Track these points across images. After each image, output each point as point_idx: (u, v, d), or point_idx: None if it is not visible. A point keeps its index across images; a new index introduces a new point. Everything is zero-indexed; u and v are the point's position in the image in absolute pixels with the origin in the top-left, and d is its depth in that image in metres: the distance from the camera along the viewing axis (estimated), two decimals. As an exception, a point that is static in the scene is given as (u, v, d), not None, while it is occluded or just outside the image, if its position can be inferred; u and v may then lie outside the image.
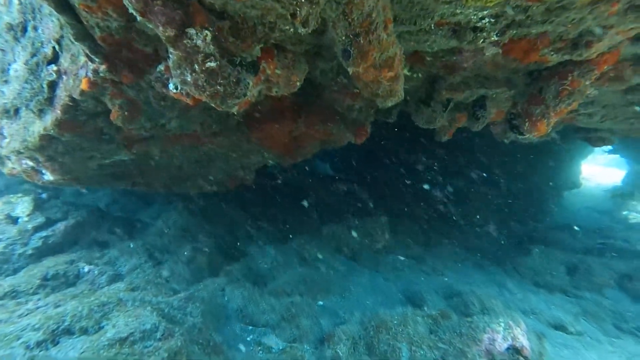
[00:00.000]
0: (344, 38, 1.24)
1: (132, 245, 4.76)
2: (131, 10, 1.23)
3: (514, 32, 1.41)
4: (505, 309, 3.69)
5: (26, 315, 2.39)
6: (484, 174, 7.08)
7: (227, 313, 3.42)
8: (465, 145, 6.64)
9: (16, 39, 2.08)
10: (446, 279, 5.16)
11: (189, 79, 1.37)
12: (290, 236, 5.81)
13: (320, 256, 5.38)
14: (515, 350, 2.49)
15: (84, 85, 1.93)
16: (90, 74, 1.88)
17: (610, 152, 9.18)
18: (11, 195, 4.02)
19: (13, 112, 2.23)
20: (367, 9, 1.10)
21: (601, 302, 4.49)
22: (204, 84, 1.38)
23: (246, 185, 4.50)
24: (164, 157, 3.12)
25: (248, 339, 3.14)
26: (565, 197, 8.59)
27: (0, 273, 3.52)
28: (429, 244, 6.34)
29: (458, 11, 1.36)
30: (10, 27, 2.03)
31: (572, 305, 4.50)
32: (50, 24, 1.90)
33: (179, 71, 1.38)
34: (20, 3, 1.97)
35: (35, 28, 1.99)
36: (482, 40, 1.48)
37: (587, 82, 1.53)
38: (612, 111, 2.14)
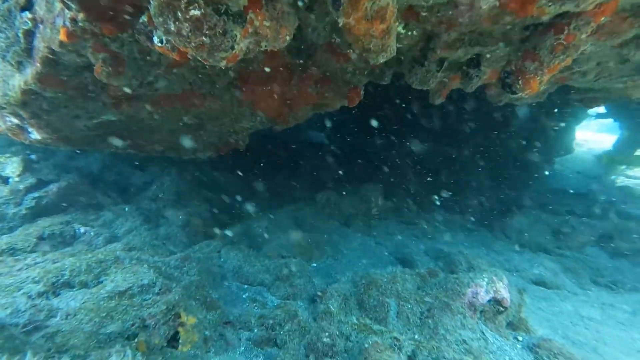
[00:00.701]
0: None
1: (127, 209, 4.80)
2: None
3: None
4: (490, 267, 3.89)
5: (25, 269, 2.46)
6: (477, 142, 7.09)
7: (223, 273, 3.55)
8: (459, 112, 6.58)
9: (-16, -15, 1.93)
10: (436, 242, 5.35)
11: (172, 28, 1.31)
12: (285, 202, 5.89)
13: (313, 222, 5.50)
14: (496, 301, 2.66)
15: (62, 36, 1.83)
16: (68, 23, 1.78)
17: (603, 116, 9.19)
18: (1, 155, 3.96)
19: (-9, 66, 2.13)
20: None
21: (581, 259, 4.74)
22: (189, 33, 1.31)
23: (239, 150, 4.47)
24: (153, 119, 3.05)
25: (244, 296, 3.29)
26: (558, 162, 8.73)
27: (-5, 233, 3.56)
28: (422, 209, 6.49)
29: None
30: (-23, -29, 1.87)
31: (553, 263, 4.74)
32: (20, -34, 1.76)
33: (161, 19, 1.31)
34: (-15, -58, 1.81)
35: (4, -29, 1.84)
36: None
37: (583, 36, 1.49)
38: (607, 68, 2.11)
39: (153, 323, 2.02)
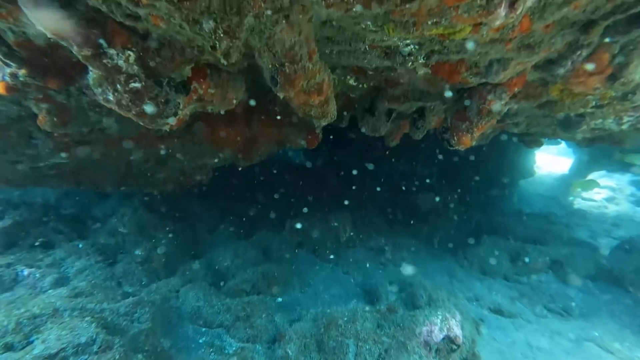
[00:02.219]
0: (270, 66, 1.26)
1: (80, 245, 4.52)
2: (42, 30, 1.16)
3: (437, 57, 1.51)
4: (450, 298, 4.00)
5: None
6: (443, 166, 7.41)
7: (181, 315, 3.40)
8: (425, 137, 6.86)
9: None
10: (402, 270, 5.44)
11: (111, 98, 1.33)
12: (254, 230, 5.80)
13: (281, 251, 5.44)
14: (449, 339, 2.73)
15: (1, 90, 1.78)
16: (7, 78, 1.74)
17: (556, 142, 9.95)
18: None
19: None
20: (289, 43, 1.12)
21: (535, 285, 5.00)
22: (129, 103, 1.34)
23: (203, 184, 4.41)
24: (107, 159, 2.98)
25: (200, 341, 3.16)
26: (520, 185, 9.28)
27: None
28: (390, 235, 6.61)
29: (385, 38, 1.42)
30: None
31: (510, 290, 4.97)
32: (-41, 21, 1.72)
33: (99, 89, 1.33)
34: None
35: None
36: (410, 63, 1.57)
37: (502, 102, 1.68)
38: (535, 119, 2.36)
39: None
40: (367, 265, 5.56)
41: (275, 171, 7.94)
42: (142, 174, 3.80)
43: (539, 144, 3.50)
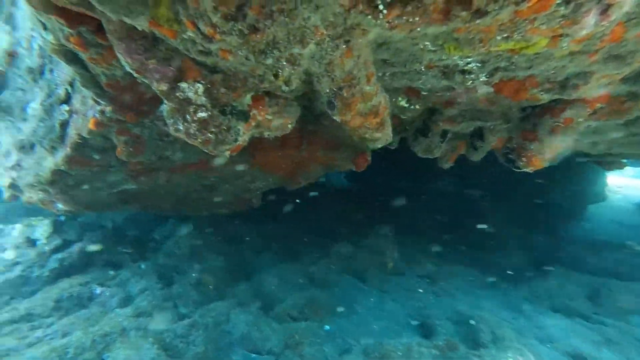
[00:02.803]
0: (327, 91, 1.28)
1: (142, 266, 4.87)
2: (128, 69, 1.31)
3: (502, 74, 1.42)
4: (518, 337, 3.53)
5: (34, 344, 2.47)
6: (501, 187, 6.87)
7: (231, 340, 3.42)
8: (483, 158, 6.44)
9: (34, 81, 2.24)
10: (458, 302, 4.98)
11: (181, 128, 1.44)
12: (299, 254, 5.79)
13: (326, 276, 5.33)
14: (525, 388, 2.37)
15: (91, 125, 2.04)
16: (97, 115, 2.00)
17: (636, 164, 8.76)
18: (33, 218, 4.23)
19: (29, 148, 2.38)
20: (347, 67, 1.13)
21: (624, 329, 4.22)
22: (196, 132, 1.44)
23: (254, 207, 4.57)
24: (170, 185, 3.22)
25: (248, 368, 3.12)
26: (589, 210, 8.22)
27: (19, 295, 3.66)
28: (442, 262, 6.17)
29: (444, 57, 1.38)
30: (31, 70, 2.19)
31: (592, 333, 4.25)
32: (65, 68, 2.04)
33: (171, 120, 1.45)
34: (40, 48, 2.13)
35: (51, 71, 2.13)
36: (470, 81, 1.49)
37: (581, 119, 1.50)
38: (617, 140, 2.08)
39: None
40: (418, 294, 5.19)
41: (319, 194, 7.96)
42: (198, 198, 4.05)
43: (620, 166, 3.08)
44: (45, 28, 1.45)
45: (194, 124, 1.41)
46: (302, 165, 3.43)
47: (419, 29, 0.96)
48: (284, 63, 1.06)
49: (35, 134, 2.27)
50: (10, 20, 2.35)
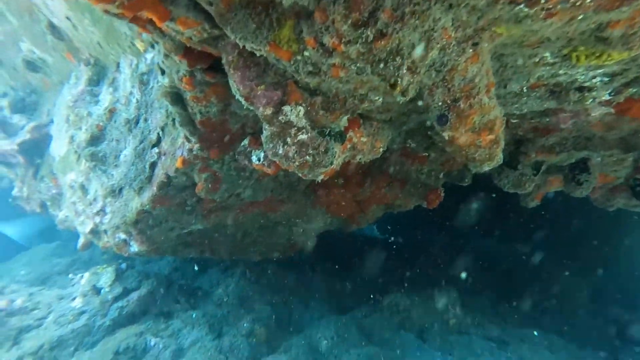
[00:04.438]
0: (440, 104, 1.25)
1: (194, 316, 4.75)
2: (238, 97, 1.39)
3: (634, 90, 1.30)
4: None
5: None
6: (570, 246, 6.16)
7: (293, 400, 3.06)
8: (548, 211, 5.90)
9: (129, 130, 2.48)
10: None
11: (280, 152, 1.45)
12: (348, 306, 5.40)
13: (382, 332, 4.85)
14: None
15: (178, 164, 2.16)
16: (185, 153, 2.12)
17: None
18: (98, 267, 4.39)
19: (118, 192, 2.55)
20: (470, 74, 1.11)
21: None
22: (294, 155, 1.44)
23: (306, 251, 4.44)
24: (232, 226, 3.25)
25: None
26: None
27: (82, 346, 3.65)
28: (509, 324, 5.43)
29: (562, 72, 1.30)
30: (127, 121, 2.44)
31: None
32: (159, 115, 2.24)
33: (271, 145, 1.48)
34: (138, 101, 2.39)
35: (145, 120, 2.36)
36: (590, 100, 1.38)
37: None
38: None
39: None
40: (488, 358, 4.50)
41: (358, 243, 7.66)
42: (253, 242, 4.03)
43: None
44: (162, 73, 1.62)
45: (293, 147, 1.42)
46: (364, 205, 3.34)
47: (580, 16, 0.90)
48: (404, 71, 1.06)
49: (126, 177, 2.44)
50: (112, 83, 2.71)
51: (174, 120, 2.17)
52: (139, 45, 2.32)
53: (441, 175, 2.87)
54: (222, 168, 2.30)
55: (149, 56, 2.35)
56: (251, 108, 1.41)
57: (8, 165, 4.27)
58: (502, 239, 6.60)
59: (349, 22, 0.92)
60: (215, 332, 4.50)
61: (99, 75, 2.79)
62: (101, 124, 2.69)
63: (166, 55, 1.45)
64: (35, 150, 3.71)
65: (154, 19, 1.04)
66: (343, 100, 1.40)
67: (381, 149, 1.65)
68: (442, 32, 0.96)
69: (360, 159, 1.61)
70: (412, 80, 1.09)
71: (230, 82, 1.36)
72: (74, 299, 4.00)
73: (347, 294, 5.73)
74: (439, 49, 1.02)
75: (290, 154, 1.44)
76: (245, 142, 2.10)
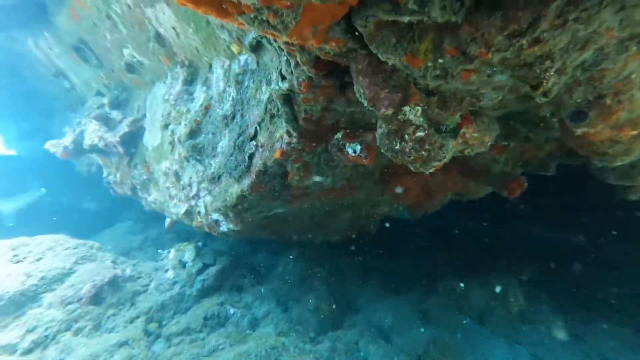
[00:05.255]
0: (579, 101, 1.27)
1: (262, 290, 5.20)
2: (362, 100, 1.53)
3: None
4: None
5: (213, 351, 2.78)
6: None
7: (367, 370, 3.33)
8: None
9: (226, 125, 2.74)
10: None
11: (397, 147, 1.58)
12: (403, 290, 5.53)
13: (440, 315, 4.94)
14: None
15: (277, 155, 2.38)
16: (283, 146, 2.33)
17: None
18: (180, 244, 4.94)
19: (217, 179, 2.86)
20: (627, 72, 1.12)
21: None
22: (411, 150, 1.56)
23: (367, 235, 4.61)
24: (307, 210, 3.48)
25: (394, 403, 2.96)
26: None
27: (179, 311, 4.22)
28: (583, 318, 5.20)
29: None
30: (224, 117, 2.70)
31: None
32: (255, 111, 2.47)
33: (387, 141, 1.61)
34: (233, 99, 2.64)
35: (242, 116, 2.60)
36: None
37: None
38: None
39: None
40: (560, 349, 4.39)
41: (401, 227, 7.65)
42: (319, 224, 4.27)
43: None
44: (283, 79, 1.81)
45: (410, 143, 1.54)
46: (433, 192, 3.40)
47: None
48: (551, 73, 1.11)
49: (225, 166, 2.74)
50: (206, 82, 2.98)
51: (271, 116, 2.38)
52: (235, 49, 2.54)
53: (519, 164, 2.83)
54: (313, 159, 2.49)
55: (242, 58, 2.56)
56: (372, 109, 1.54)
57: (104, 154, 4.89)
58: (567, 228, 6.25)
59: (505, 33, 0.99)
60: (283, 306, 4.90)
61: (192, 75, 3.08)
62: (198, 119, 2.99)
63: (296, 65, 1.62)
64: (131, 141, 4.22)
65: (313, 42, 1.20)
66: (460, 99, 1.48)
67: (489, 144, 1.71)
68: (605, 32, 0.99)
69: (468, 152, 1.69)
70: (557, 81, 1.13)
71: (356, 87, 1.50)
72: (167, 270, 4.58)
73: (403, 278, 5.86)
74: (595, 49, 1.05)
75: (407, 150, 1.57)
76: (339, 135, 2.26)
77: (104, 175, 5.59)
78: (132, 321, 4.00)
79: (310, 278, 5.59)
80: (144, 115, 4.06)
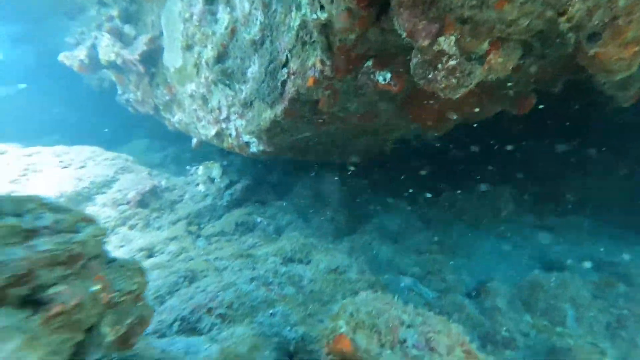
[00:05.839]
0: (596, 23, 1.41)
1: (284, 204, 5.85)
2: (400, 32, 1.67)
3: None
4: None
5: (252, 247, 3.45)
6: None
7: (379, 263, 4.09)
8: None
9: (255, 51, 2.82)
10: (587, 249, 4.82)
11: (430, 76, 1.78)
12: (409, 202, 6.16)
13: (440, 222, 5.64)
14: None
15: (309, 83, 2.55)
16: (316, 74, 2.49)
17: None
18: (207, 162, 5.39)
19: (249, 104, 3.07)
20: None
21: None
22: (442, 78, 1.77)
23: (382, 155, 4.97)
24: (331, 134, 3.76)
25: (401, 285, 3.75)
26: None
27: (213, 218, 4.90)
28: (563, 214, 5.92)
29: None
30: (253, 42, 2.76)
31: None
32: (286, 38, 2.54)
33: (421, 70, 1.80)
34: (261, 24, 2.66)
35: (272, 42, 2.67)
36: None
37: None
38: None
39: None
40: (540, 241, 5.15)
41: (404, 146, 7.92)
42: (339, 147, 4.59)
43: None
44: (322, 8, 1.88)
45: (443, 72, 1.74)
46: (449, 114, 3.59)
47: None
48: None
49: (258, 92, 2.92)
50: (228, 3, 2.92)
51: (303, 44, 2.47)
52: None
53: (532, 80, 2.96)
54: (343, 86, 2.66)
55: (269, -23, 2.49)
56: (408, 40, 1.69)
57: (121, 71, 4.92)
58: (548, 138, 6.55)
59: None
60: (303, 217, 5.59)
61: (212, -7, 2.99)
62: (224, 42, 3.04)
63: (339, -2, 1.70)
64: (150, 60, 4.24)
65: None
66: (491, 27, 1.62)
67: (511, 68, 1.88)
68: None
69: (490, 77, 1.88)
70: (582, 6, 1.28)
71: (395, 19, 1.62)
72: (197, 185, 5.14)
73: (409, 192, 6.44)
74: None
75: (439, 78, 1.77)
76: (369, 63, 2.39)
77: (119, 92, 5.69)
78: (174, 223, 4.72)
79: (325, 194, 6.19)
80: (161, 33, 3.99)
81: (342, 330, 1.21)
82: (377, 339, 1.18)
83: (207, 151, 6.65)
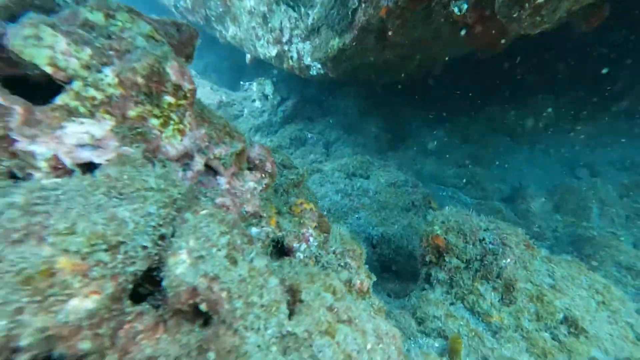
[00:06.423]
0: None
1: (330, 121, 6.20)
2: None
3: None
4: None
5: (312, 162, 4.04)
6: None
7: (423, 176, 4.63)
8: None
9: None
10: (620, 152, 4.93)
11: (514, 15, 1.91)
12: (450, 119, 6.29)
13: (479, 136, 5.88)
14: None
15: (382, 12, 2.63)
16: (391, 4, 2.55)
17: None
18: (260, 78, 5.65)
19: (316, 30, 3.19)
20: None
21: None
22: (526, 17, 1.90)
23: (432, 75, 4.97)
24: (390, 58, 3.81)
25: (442, 194, 4.34)
26: None
27: (270, 133, 5.46)
28: (599, 119, 5.87)
29: None
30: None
31: None
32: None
33: (506, 9, 1.92)
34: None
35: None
36: None
37: None
38: None
39: (418, 204, 3.24)
40: (571, 147, 5.33)
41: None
42: (391, 69, 4.61)
43: None
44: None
45: (529, 10, 1.86)
46: (506, 34, 3.49)
47: None
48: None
49: (326, 19, 3.01)
50: None
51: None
52: None
53: None
54: (412, 16, 2.71)
55: None
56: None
57: None
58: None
59: None
60: (348, 133, 5.98)
61: None
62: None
63: None
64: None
65: None
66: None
67: None
68: None
69: (574, 8, 1.96)
70: None
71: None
72: (254, 100, 5.56)
73: (453, 109, 6.49)
74: None
75: (524, 16, 1.91)
76: (443, -8, 2.41)
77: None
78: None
79: (369, 113, 6.39)
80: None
81: (438, 232, 1.79)
82: (462, 239, 1.76)
83: (244, 66, 6.71)
